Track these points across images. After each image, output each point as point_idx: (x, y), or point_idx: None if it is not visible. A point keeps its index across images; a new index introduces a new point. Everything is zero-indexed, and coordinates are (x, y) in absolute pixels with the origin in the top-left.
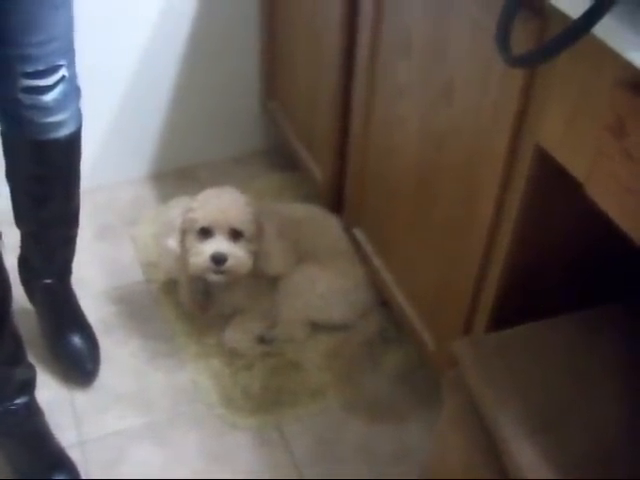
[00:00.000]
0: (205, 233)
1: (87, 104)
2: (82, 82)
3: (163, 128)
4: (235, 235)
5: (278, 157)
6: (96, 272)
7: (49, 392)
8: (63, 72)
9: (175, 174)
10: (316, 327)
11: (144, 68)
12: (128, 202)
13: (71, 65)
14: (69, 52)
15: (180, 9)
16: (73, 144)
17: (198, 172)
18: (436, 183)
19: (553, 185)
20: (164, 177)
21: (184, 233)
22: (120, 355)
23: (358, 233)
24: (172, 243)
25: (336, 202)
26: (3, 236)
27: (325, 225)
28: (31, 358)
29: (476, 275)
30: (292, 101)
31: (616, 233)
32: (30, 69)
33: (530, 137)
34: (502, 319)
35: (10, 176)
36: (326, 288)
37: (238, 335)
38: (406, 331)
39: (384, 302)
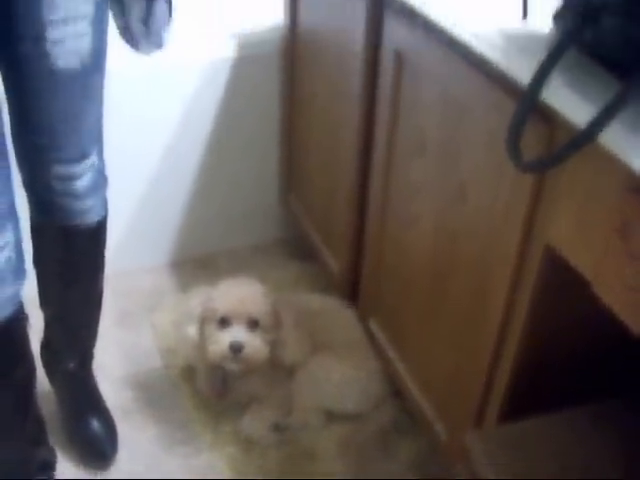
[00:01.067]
0: (224, 322)
1: (111, 192)
2: (108, 170)
3: (185, 217)
4: (253, 325)
5: (296, 247)
6: (115, 358)
7: (64, 473)
8: (92, 160)
9: (195, 262)
10: (330, 416)
11: (168, 159)
12: (148, 289)
13: (100, 154)
14: (98, 142)
15: (205, 106)
16: (100, 230)
17: (217, 260)
18: (449, 278)
19: (562, 283)
20: (184, 265)
21: (203, 322)
22: (137, 440)
23: (373, 324)
24: (191, 331)
25: (351, 293)
26: (29, 318)
27: (340, 316)
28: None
29: (488, 368)
30: (310, 195)
31: (620, 327)
32: (62, 156)
33: (540, 237)
34: (513, 410)
35: (37, 261)
36: (341, 378)
37: (255, 423)
38: (419, 421)
39: (397, 392)
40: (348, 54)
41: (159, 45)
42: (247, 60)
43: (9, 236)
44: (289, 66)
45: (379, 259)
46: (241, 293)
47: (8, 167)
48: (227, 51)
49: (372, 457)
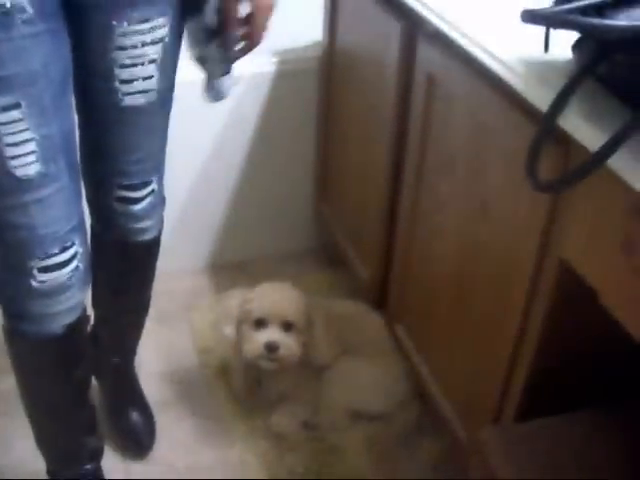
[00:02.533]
0: (260, 323)
1: None
2: None
3: (224, 223)
4: (287, 326)
5: (328, 255)
6: (154, 354)
7: (106, 461)
8: (153, 186)
9: (232, 266)
10: (357, 415)
11: (210, 168)
12: (187, 290)
13: (160, 181)
14: (160, 169)
15: (246, 117)
16: (154, 246)
17: (254, 265)
18: (472, 287)
19: (575, 293)
20: (222, 269)
21: (240, 322)
22: (174, 432)
23: (399, 329)
24: (229, 331)
25: (380, 300)
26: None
27: (368, 321)
28: None
29: (505, 372)
30: (343, 206)
31: (627, 334)
32: (125, 182)
33: (555, 251)
34: (528, 411)
35: (94, 269)
36: (367, 380)
37: (284, 420)
38: (440, 422)
39: (421, 394)
40: (383, 73)
41: (220, 97)
42: (287, 75)
43: (78, 248)
44: (326, 82)
45: (406, 268)
46: (276, 296)
47: (79, 184)
48: (268, 66)
49: (396, 456)
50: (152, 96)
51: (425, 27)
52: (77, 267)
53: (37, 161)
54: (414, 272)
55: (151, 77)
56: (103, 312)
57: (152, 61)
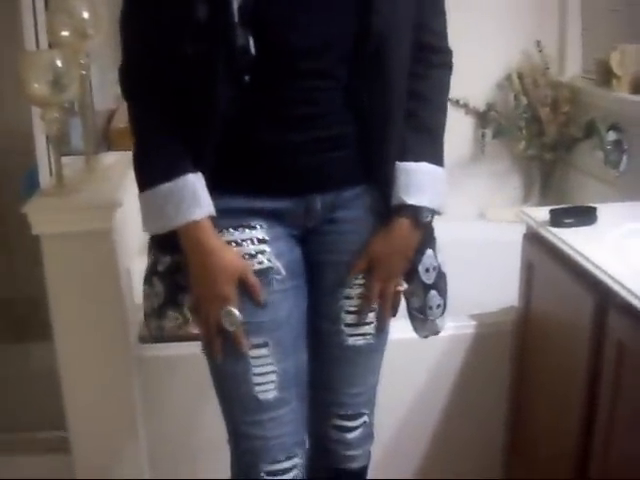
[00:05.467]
0: None
1: None
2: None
3: (416, 474)
4: None
5: None
6: None
7: None
8: (365, 418)
9: None
10: None
11: (408, 420)
12: None
13: (371, 414)
14: (372, 404)
15: (444, 374)
16: (360, 476)
17: None
18: None
19: None
20: None
21: None
22: None
23: None
24: None
25: None
26: None
27: None
28: None
29: None
30: (533, 461)
31: None
32: (342, 412)
33: None
34: None
35: None
36: None
37: None
38: None
39: None
40: (575, 339)
41: (435, 332)
42: (482, 337)
43: (298, 460)
44: (520, 345)
45: None
46: None
47: (305, 409)
48: (466, 328)
49: None
50: (371, 339)
51: (615, 299)
52: (297, 474)
53: (275, 389)
54: None
55: (371, 323)
56: None
57: (372, 310)
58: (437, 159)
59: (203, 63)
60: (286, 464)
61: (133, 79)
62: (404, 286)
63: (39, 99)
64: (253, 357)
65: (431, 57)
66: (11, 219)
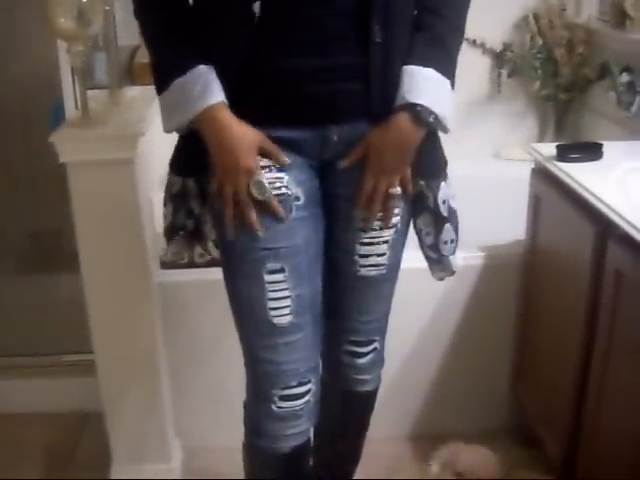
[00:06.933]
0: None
1: None
2: None
3: (425, 397)
4: None
5: (521, 435)
6: None
7: None
8: (375, 345)
9: (427, 439)
10: None
11: (417, 346)
12: (387, 456)
13: (382, 341)
14: (382, 331)
15: (454, 302)
16: (371, 398)
17: (446, 440)
18: None
19: None
20: (419, 438)
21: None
22: None
23: None
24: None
25: (569, 478)
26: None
27: None
28: None
29: None
30: (536, 387)
31: None
32: (353, 338)
33: None
34: None
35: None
36: None
37: None
38: None
39: None
40: (577, 268)
41: (451, 272)
42: (491, 268)
43: (311, 386)
44: (527, 275)
45: (594, 448)
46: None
47: (319, 335)
48: (475, 260)
49: None
50: (382, 269)
51: (615, 230)
52: (309, 401)
53: (290, 314)
54: (602, 452)
55: (383, 254)
56: (323, 457)
57: (385, 242)
58: (446, 71)
59: None
60: (299, 389)
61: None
62: (398, 190)
63: (65, 33)
64: (269, 282)
65: None
66: (37, 153)
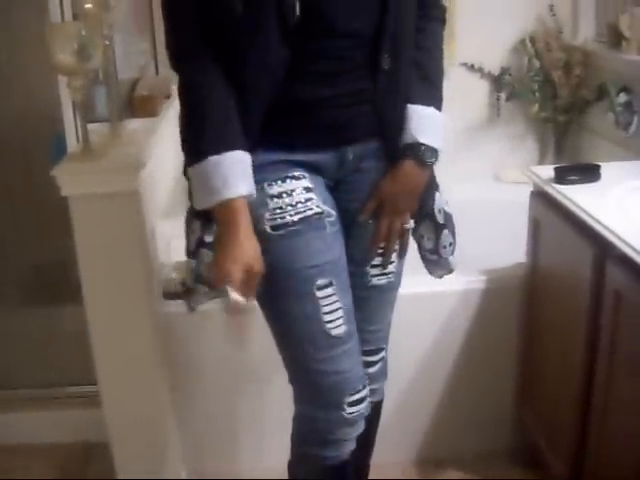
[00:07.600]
0: None
1: None
2: None
3: (428, 421)
4: None
5: (524, 456)
6: None
7: None
8: (383, 353)
9: (432, 462)
10: None
11: (420, 369)
12: None
13: (386, 350)
14: (387, 338)
15: (456, 325)
16: (377, 411)
17: (448, 466)
18: None
19: None
20: (424, 463)
21: None
22: None
23: None
24: None
25: None
26: None
27: None
28: None
29: None
30: (541, 409)
31: None
32: (364, 348)
33: None
34: None
35: None
36: None
37: None
38: None
39: None
40: (577, 289)
41: (449, 270)
42: (493, 291)
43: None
44: (529, 298)
45: (599, 467)
46: None
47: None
48: (477, 283)
49: None
50: (391, 277)
51: (613, 252)
52: (368, 400)
53: (344, 323)
54: (607, 469)
55: (392, 263)
56: None
57: (394, 250)
58: (440, 106)
59: (253, 22)
60: (363, 392)
61: (181, 45)
62: (411, 225)
63: (65, 68)
64: (320, 297)
65: (429, 12)
66: (40, 187)
